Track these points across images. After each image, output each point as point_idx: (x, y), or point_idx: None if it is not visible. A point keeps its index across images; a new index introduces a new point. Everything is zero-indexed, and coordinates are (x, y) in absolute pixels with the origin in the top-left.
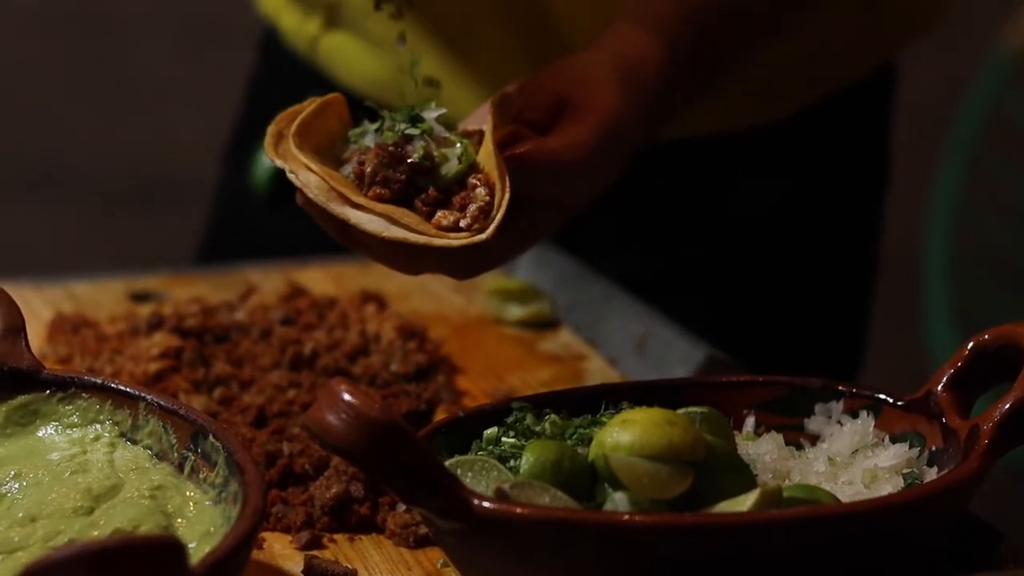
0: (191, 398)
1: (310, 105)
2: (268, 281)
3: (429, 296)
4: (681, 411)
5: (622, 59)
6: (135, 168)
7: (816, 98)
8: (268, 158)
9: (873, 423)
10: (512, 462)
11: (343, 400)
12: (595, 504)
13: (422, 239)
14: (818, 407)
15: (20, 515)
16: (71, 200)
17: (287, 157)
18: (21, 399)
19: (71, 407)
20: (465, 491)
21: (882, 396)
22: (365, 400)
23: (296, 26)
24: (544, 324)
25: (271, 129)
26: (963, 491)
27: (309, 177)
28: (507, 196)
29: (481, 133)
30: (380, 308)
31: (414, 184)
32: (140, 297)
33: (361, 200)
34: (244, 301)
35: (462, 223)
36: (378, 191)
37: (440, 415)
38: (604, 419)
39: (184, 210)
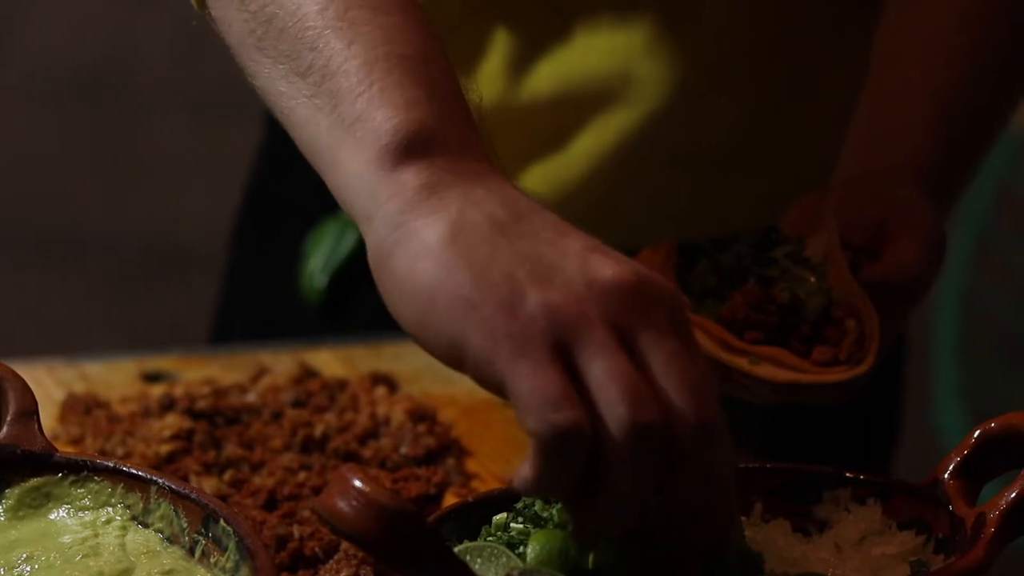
0: (202, 480)
1: (655, 256)
2: (279, 363)
3: (439, 378)
4: None
5: (905, 171)
6: (148, 240)
7: None
8: (320, 276)
9: (880, 510)
10: (521, 548)
11: (353, 486)
12: None
13: (811, 379)
14: (826, 494)
15: None
16: (84, 271)
17: None
18: (34, 482)
19: (83, 490)
20: None
21: (889, 483)
22: (376, 487)
23: None
24: None
25: None
26: None
27: None
28: (876, 323)
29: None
30: (390, 390)
31: (783, 323)
32: (152, 377)
33: (743, 346)
34: (255, 383)
35: (841, 356)
36: (755, 334)
37: (450, 498)
38: None
39: (196, 282)
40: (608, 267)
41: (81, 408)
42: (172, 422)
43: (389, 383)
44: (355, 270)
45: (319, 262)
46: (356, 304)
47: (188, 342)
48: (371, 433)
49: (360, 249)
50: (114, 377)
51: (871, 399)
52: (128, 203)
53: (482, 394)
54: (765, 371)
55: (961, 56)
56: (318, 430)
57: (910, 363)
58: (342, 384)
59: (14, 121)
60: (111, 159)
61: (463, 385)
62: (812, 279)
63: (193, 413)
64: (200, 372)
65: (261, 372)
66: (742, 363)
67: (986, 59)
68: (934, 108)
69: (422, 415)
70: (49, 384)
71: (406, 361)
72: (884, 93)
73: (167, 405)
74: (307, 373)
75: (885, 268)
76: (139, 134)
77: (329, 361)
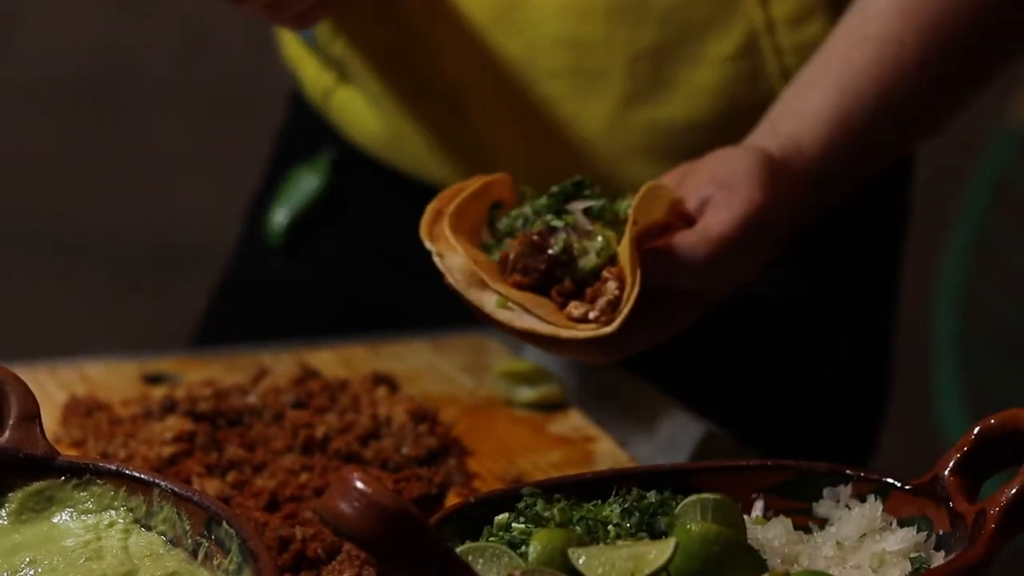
0: (204, 482)
1: (474, 184)
2: (280, 363)
3: (440, 378)
4: (693, 497)
5: (767, 154)
6: (149, 240)
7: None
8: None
9: (881, 507)
10: (523, 548)
11: (355, 488)
12: None
13: (549, 330)
14: (826, 491)
15: None
16: (84, 272)
17: (438, 238)
18: (36, 485)
19: (86, 493)
20: None
21: (890, 480)
22: (377, 488)
23: (314, 76)
24: (554, 406)
25: (432, 206)
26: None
27: (455, 260)
28: (635, 291)
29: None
30: (391, 391)
31: (552, 274)
32: (153, 379)
33: (500, 287)
34: (256, 384)
35: (591, 315)
36: (518, 278)
37: (452, 498)
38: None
39: (197, 283)
40: None
41: (83, 410)
42: (173, 424)
43: (390, 383)
44: (316, 210)
45: (281, 205)
46: (320, 246)
47: (189, 343)
48: (372, 434)
49: (322, 192)
50: (115, 379)
51: (856, 387)
52: (128, 203)
53: (483, 394)
54: (504, 316)
55: (880, 46)
56: (319, 431)
57: (901, 354)
58: (343, 385)
59: (14, 121)
60: (111, 159)
61: (464, 385)
62: (599, 238)
63: (194, 415)
64: (201, 373)
65: (262, 373)
66: (487, 303)
67: (908, 51)
68: (837, 97)
69: (423, 415)
70: (51, 386)
71: (407, 361)
72: (800, 74)
73: (168, 407)
74: (308, 374)
75: (686, 238)
76: (139, 134)
77: (330, 362)
